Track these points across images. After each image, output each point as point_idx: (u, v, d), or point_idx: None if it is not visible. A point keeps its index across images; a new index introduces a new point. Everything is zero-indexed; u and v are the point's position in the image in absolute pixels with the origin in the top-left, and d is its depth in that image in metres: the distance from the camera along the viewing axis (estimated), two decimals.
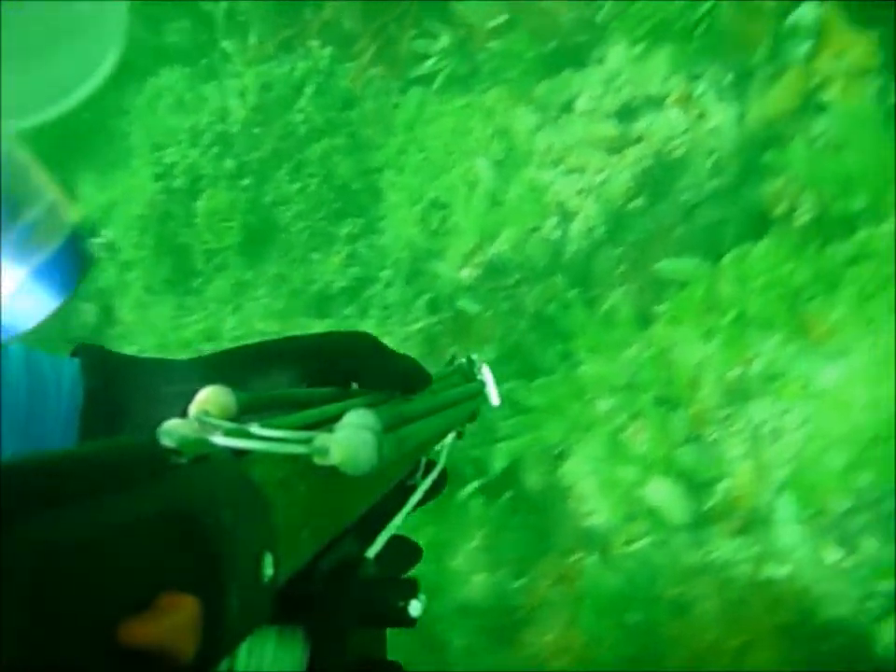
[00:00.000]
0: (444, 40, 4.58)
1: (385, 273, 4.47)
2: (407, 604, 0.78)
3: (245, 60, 4.87)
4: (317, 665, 0.72)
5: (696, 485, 3.61)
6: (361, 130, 4.71)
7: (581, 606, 3.72)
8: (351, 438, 0.63)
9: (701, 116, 4.11)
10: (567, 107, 4.38)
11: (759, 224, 3.79)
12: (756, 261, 3.58)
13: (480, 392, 1.14)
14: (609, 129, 4.21)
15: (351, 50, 4.81)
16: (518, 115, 4.40)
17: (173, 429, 0.56)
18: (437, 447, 1.05)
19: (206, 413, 0.62)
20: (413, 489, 0.93)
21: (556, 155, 4.30)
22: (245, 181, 4.61)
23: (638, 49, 4.30)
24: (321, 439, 0.62)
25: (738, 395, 3.59)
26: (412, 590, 0.79)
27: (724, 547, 3.56)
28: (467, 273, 4.37)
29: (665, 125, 4.15)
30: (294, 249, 4.58)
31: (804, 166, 3.73)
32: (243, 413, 0.64)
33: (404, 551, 0.89)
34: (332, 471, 0.63)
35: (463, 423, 1.11)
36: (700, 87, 4.12)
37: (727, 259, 3.71)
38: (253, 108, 4.68)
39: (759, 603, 3.47)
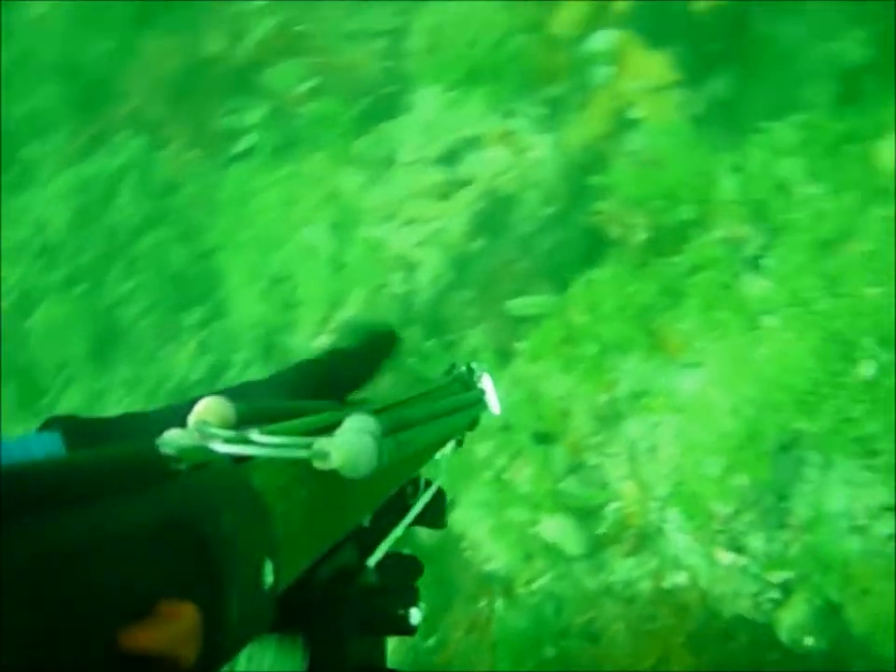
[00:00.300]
0: (256, 113, 4.57)
1: (240, 356, 4.42)
2: (407, 612, 0.79)
3: (56, 163, 4.74)
4: None
5: (586, 513, 3.68)
6: (187, 215, 4.64)
7: (497, 650, 3.75)
8: (351, 442, 0.64)
9: (522, 150, 4.20)
10: (390, 160, 4.42)
11: (597, 248, 3.91)
12: (601, 286, 3.69)
13: (480, 400, 1.15)
14: (436, 176, 4.26)
15: (163, 136, 4.74)
16: (343, 176, 4.41)
17: (172, 439, 0.57)
18: (437, 455, 1.06)
19: (205, 423, 0.62)
20: (411, 505, 0.94)
21: (388, 210, 4.33)
22: (79, 288, 4.49)
23: (451, 94, 4.38)
24: (321, 443, 0.63)
25: (609, 418, 3.69)
26: (412, 598, 0.80)
27: (623, 567, 3.65)
28: (322, 341, 4.36)
29: (490, 164, 4.23)
30: (142, 348, 4.48)
31: (628, 185, 3.87)
32: (241, 424, 0.65)
33: (405, 566, 0.90)
34: (333, 476, 0.64)
35: (463, 431, 1.12)
36: (516, 123, 4.22)
37: (574, 287, 3.80)
38: (73, 212, 4.56)
39: (665, 615, 3.56)
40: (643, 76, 4.04)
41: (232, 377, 4.40)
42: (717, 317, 3.54)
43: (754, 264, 3.62)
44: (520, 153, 4.21)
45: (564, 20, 4.12)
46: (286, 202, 4.43)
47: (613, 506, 3.66)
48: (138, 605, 0.44)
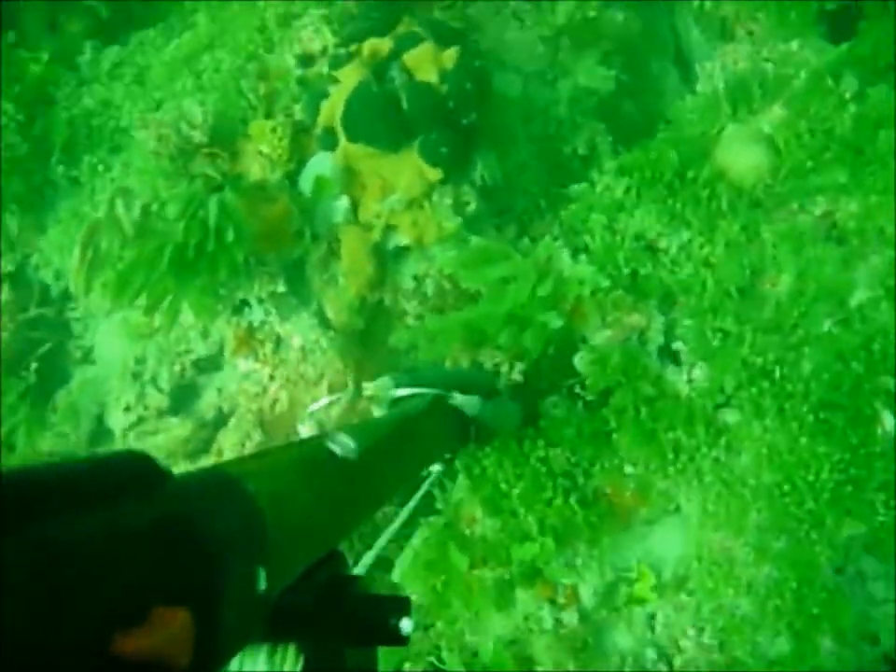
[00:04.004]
0: None
1: None
2: (398, 622, 0.87)
3: None
4: None
5: None
6: None
7: None
8: None
9: (279, 346, 3.12)
10: (101, 434, 3.17)
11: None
12: (489, 474, 2.64)
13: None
14: (178, 429, 3.07)
15: None
16: None
17: None
18: (426, 472, 1.46)
19: None
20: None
21: None
22: None
23: (138, 315, 3.22)
24: None
25: (585, 641, 2.62)
26: (403, 608, 0.88)
27: None
28: None
29: (243, 382, 3.11)
30: None
31: (451, 332, 2.88)
32: None
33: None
34: (326, 485, 0.83)
35: (453, 447, 1.73)
36: (254, 314, 3.14)
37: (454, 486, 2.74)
38: None
39: None
40: (391, 189, 3.11)
41: None
42: (665, 440, 2.60)
43: (670, 354, 2.74)
44: (277, 351, 3.12)
45: (260, 164, 3.12)
46: None
47: None
48: (133, 610, 0.48)
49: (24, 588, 0.41)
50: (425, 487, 1.29)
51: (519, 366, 2.71)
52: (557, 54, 3.69)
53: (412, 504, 1.21)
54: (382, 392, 2.65)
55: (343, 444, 0.94)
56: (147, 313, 3.00)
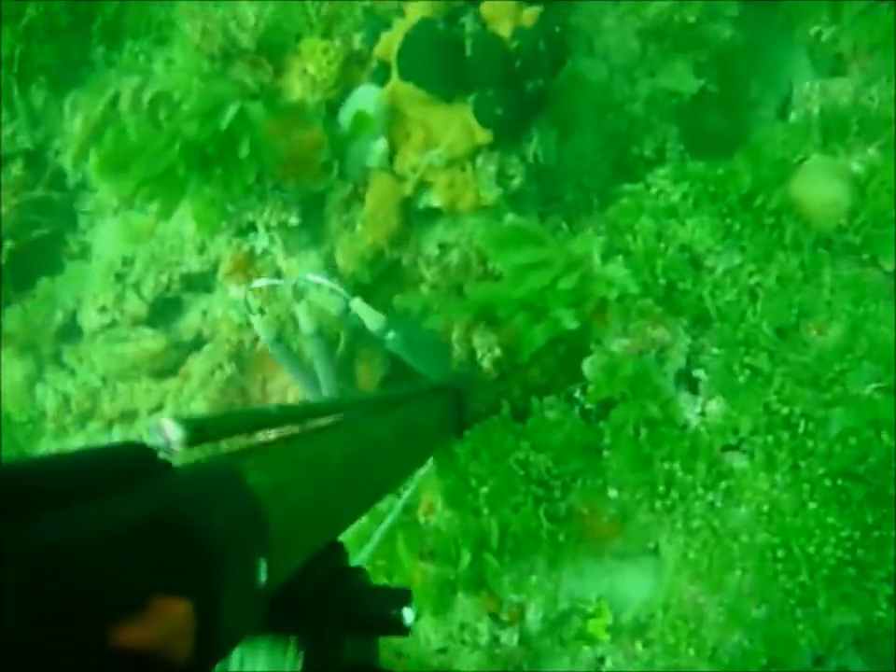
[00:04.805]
0: None
1: None
2: (400, 612, 0.86)
3: None
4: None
5: None
6: None
7: None
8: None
9: (275, 279, 2.88)
10: (71, 331, 2.95)
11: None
12: (456, 467, 2.38)
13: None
14: (150, 342, 2.84)
15: None
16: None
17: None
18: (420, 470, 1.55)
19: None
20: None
21: (84, 406, 2.86)
22: None
23: (141, 214, 3.01)
24: None
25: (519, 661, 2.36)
26: (404, 598, 0.87)
27: None
28: None
29: (229, 309, 2.88)
30: None
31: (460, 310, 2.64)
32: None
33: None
34: (326, 477, 0.84)
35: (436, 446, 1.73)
36: (258, 241, 2.91)
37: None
38: None
39: None
40: (434, 143, 2.87)
41: None
42: (660, 470, 2.33)
43: (688, 380, 2.47)
44: (272, 286, 2.88)
45: (302, 84, 2.88)
46: None
47: None
48: (132, 601, 0.46)
49: (23, 583, 0.40)
50: (419, 479, 1.30)
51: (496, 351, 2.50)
52: (647, 52, 3.44)
53: (406, 496, 1.23)
54: (372, 325, 2.51)
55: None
56: (149, 200, 2.79)
